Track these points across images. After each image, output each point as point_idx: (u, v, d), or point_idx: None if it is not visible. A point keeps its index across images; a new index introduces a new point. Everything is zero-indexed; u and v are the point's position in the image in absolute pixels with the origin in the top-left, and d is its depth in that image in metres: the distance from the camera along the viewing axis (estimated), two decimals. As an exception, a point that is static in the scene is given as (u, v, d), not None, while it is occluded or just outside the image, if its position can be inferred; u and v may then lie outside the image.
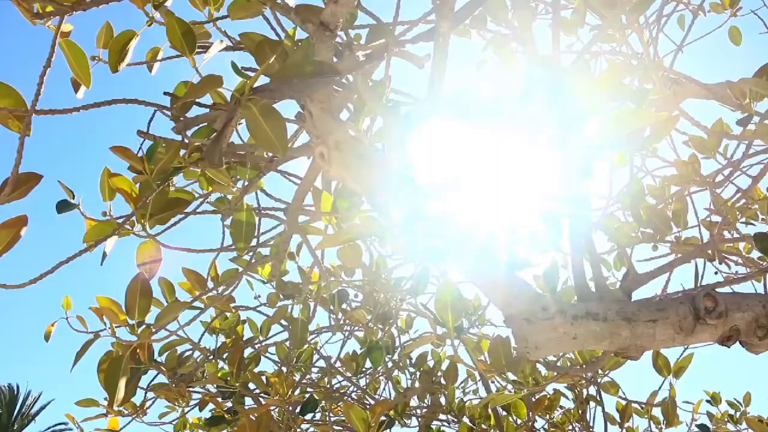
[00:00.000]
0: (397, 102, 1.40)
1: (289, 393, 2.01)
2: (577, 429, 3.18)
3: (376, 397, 2.75)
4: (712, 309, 1.36)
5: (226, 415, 2.16)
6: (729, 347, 1.42)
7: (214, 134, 1.05)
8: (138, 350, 1.97)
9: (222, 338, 2.28)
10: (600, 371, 2.76)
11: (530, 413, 2.13)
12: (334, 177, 1.29)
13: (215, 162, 1.03)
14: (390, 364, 2.51)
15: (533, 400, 2.10)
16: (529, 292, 1.36)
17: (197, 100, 1.54)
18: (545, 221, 1.40)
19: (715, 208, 2.30)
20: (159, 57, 1.79)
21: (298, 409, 2.09)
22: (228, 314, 2.38)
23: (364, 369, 2.61)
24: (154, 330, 1.94)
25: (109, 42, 1.61)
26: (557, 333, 1.34)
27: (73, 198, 1.69)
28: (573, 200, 1.38)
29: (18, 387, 13.04)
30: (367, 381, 2.67)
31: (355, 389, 2.54)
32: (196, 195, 1.76)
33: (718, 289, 1.51)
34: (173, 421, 2.42)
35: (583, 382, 2.80)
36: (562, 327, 1.34)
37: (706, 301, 1.37)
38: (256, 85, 1.14)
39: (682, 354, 2.37)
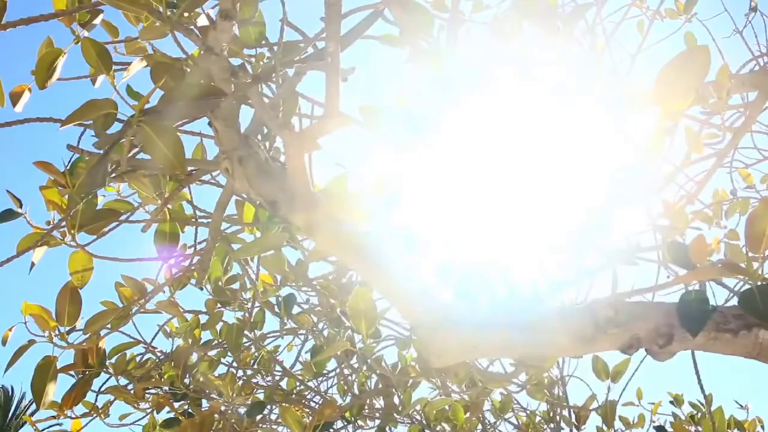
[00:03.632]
0: (295, 118, 1.44)
1: (233, 395, 2.06)
2: (549, 430, 3.22)
3: (346, 399, 2.80)
4: (612, 318, 1.39)
5: (181, 417, 2.22)
6: (630, 355, 1.45)
7: (99, 155, 1.10)
8: (87, 354, 2.03)
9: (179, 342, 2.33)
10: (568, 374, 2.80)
11: (468, 416, 2.16)
12: (239, 191, 1.34)
13: (98, 182, 1.08)
14: (347, 370, 2.56)
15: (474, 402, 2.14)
16: (433, 302, 1.40)
17: (118, 116, 1.61)
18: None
19: (665, 212, 2.33)
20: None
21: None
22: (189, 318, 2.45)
23: (325, 372, 2.67)
24: (102, 335, 2.00)
25: (47, 58, 1.67)
26: (459, 341, 1.38)
27: (21, 207, 1.76)
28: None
29: (12, 389, 13.23)
30: (330, 384, 2.73)
31: (315, 392, 2.59)
32: (136, 205, 1.82)
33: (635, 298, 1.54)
34: (136, 422, 2.49)
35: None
36: (462, 336, 1.38)
37: (606, 310, 1.40)
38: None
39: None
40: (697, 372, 1.67)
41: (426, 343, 1.38)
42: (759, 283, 1.31)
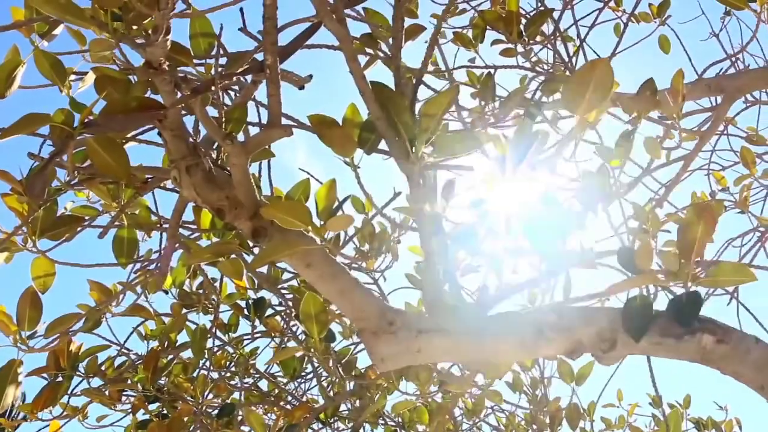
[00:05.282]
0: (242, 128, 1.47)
1: (204, 397, 2.10)
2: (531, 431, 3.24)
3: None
4: (555, 324, 1.41)
5: (153, 419, 2.26)
6: (574, 359, 1.47)
7: (38, 166, 1.14)
8: (59, 356, 2.07)
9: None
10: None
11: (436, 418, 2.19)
12: (187, 198, 1.37)
13: (36, 193, 1.12)
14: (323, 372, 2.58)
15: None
16: (378, 307, 1.42)
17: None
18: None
19: (635, 215, 2.34)
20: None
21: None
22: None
23: (303, 374, 2.70)
24: (71, 337, 2.04)
25: (11, 66, 1.71)
26: (401, 346, 1.41)
27: (-8, 212, 1.80)
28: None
29: (7, 392, 13.35)
30: (309, 386, 2.76)
31: (291, 395, 2.62)
32: (101, 211, 1.86)
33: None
34: (115, 423, 2.52)
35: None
36: (405, 341, 1.40)
37: (549, 316, 1.42)
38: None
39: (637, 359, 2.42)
40: (652, 376, 1.69)
41: (370, 347, 1.40)
42: (691, 289, 1.33)
